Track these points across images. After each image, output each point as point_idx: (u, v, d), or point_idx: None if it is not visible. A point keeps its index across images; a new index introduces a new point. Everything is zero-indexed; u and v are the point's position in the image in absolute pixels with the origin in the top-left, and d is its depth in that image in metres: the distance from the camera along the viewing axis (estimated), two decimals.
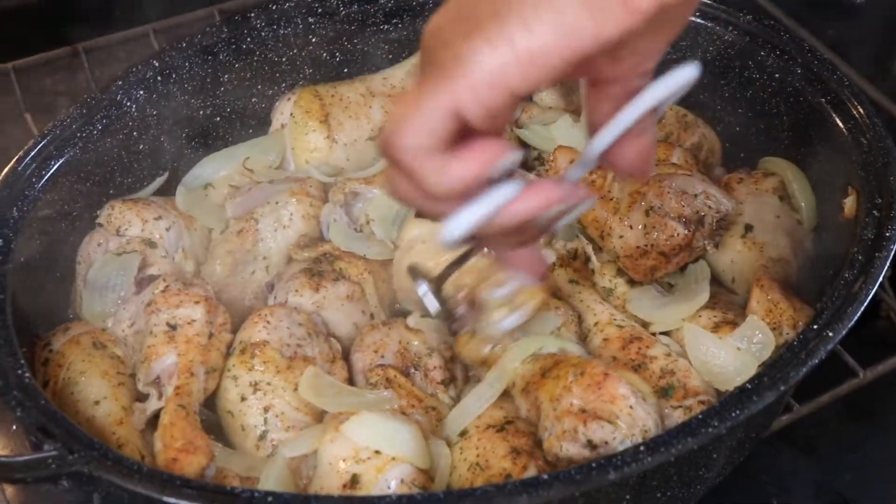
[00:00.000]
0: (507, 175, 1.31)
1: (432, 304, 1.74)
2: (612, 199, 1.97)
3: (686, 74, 1.32)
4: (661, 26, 1.28)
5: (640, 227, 1.93)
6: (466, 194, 1.28)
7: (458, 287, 1.85)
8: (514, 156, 1.29)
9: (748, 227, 2.00)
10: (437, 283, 1.74)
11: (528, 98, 2.33)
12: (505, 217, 1.31)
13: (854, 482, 2.11)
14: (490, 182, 1.29)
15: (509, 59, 1.19)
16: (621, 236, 1.94)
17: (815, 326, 1.65)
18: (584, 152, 1.38)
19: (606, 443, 1.64)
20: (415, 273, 1.79)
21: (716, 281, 1.99)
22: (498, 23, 1.19)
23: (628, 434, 1.64)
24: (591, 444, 1.64)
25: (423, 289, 1.74)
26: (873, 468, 2.14)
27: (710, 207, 1.94)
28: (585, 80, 1.41)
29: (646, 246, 1.92)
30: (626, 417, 1.65)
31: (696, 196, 1.94)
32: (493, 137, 1.27)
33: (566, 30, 1.19)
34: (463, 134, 1.24)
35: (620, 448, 1.62)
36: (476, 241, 1.41)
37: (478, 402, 1.80)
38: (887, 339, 2.24)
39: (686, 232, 1.92)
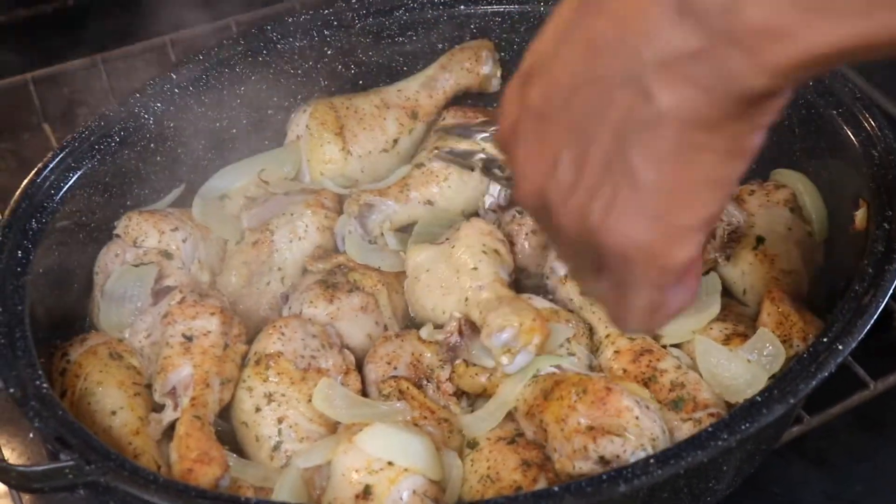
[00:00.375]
0: None
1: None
2: None
3: None
4: None
5: None
6: None
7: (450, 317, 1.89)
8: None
9: (760, 239, 2.01)
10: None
11: None
12: None
13: (865, 493, 2.11)
14: None
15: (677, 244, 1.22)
16: None
17: (825, 339, 1.66)
18: None
19: (618, 456, 1.65)
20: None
21: (727, 293, 1.99)
22: (647, 217, 1.19)
23: (637, 444, 1.65)
24: (603, 460, 1.65)
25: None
26: (884, 479, 2.14)
27: (721, 220, 1.95)
28: None
29: None
30: (634, 428, 1.66)
31: None
32: None
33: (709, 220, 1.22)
34: None
35: (632, 459, 1.63)
36: None
37: (479, 426, 1.82)
38: None
39: None
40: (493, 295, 1.87)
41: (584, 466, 1.66)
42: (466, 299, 1.90)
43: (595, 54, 1.16)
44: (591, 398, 1.69)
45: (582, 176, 1.21)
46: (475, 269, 1.92)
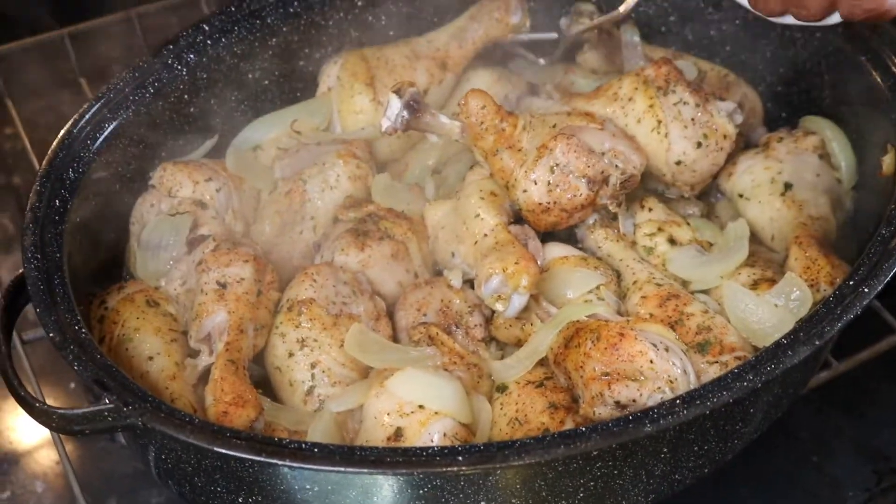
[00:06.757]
0: None
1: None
2: (520, 150, 1.97)
3: None
4: None
5: (544, 183, 1.93)
6: None
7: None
8: None
9: (787, 186, 2.01)
10: None
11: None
12: None
13: (892, 441, 2.12)
14: None
15: None
16: (525, 191, 1.95)
17: (851, 283, 1.67)
18: None
19: (634, 400, 1.67)
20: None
21: (755, 239, 2.00)
22: None
23: (653, 388, 1.67)
24: (619, 405, 1.67)
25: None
26: None
27: (616, 167, 1.93)
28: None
29: (548, 203, 1.94)
30: (649, 372, 1.68)
31: (603, 154, 1.93)
32: None
33: None
34: None
35: (650, 403, 1.65)
36: None
37: (508, 373, 1.84)
38: None
39: (589, 192, 1.93)
40: (493, 241, 1.89)
41: (603, 412, 1.68)
42: (476, 243, 1.93)
43: None
44: (604, 345, 1.71)
45: None
46: (478, 216, 1.95)
